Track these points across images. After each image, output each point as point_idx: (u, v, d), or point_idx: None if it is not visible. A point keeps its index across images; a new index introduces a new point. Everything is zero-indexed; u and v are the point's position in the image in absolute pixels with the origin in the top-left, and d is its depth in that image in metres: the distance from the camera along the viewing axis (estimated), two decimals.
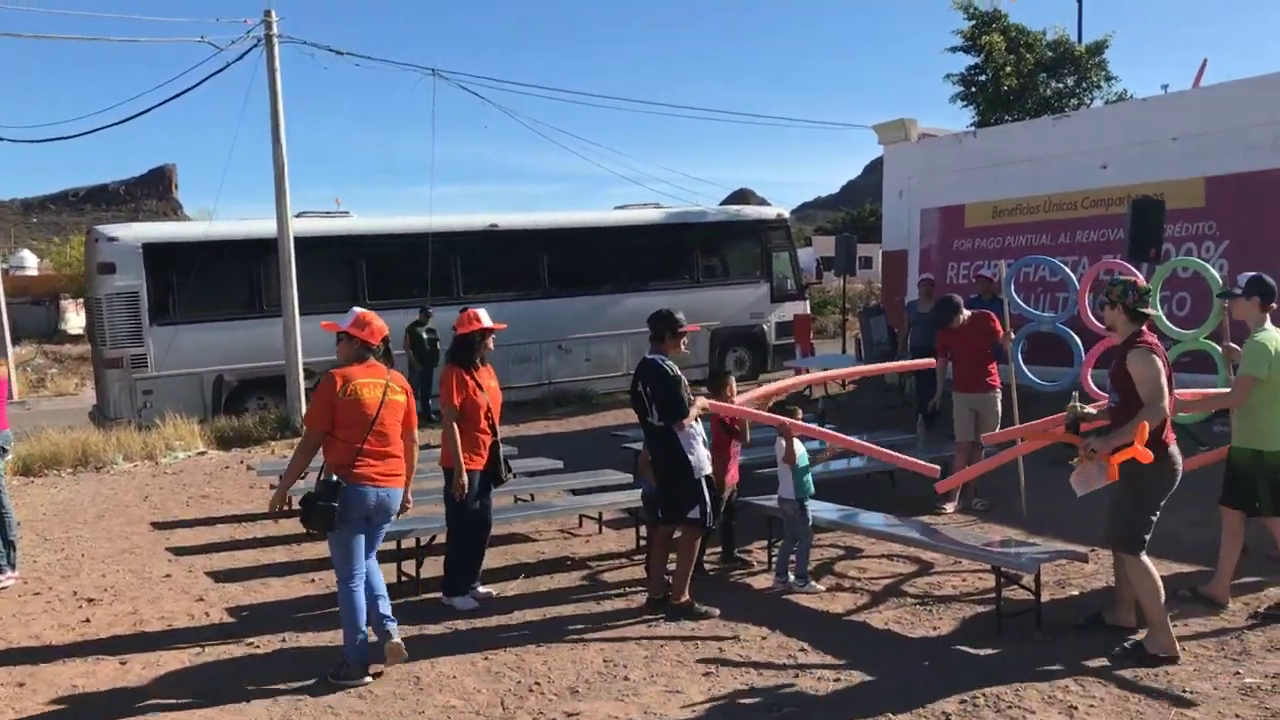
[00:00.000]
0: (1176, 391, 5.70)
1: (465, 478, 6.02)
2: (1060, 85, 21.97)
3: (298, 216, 16.25)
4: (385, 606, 5.22)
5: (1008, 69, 21.26)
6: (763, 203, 21.11)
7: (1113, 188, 13.16)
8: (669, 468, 5.98)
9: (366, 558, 5.20)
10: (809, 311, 20.04)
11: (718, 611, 5.92)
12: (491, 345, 6.36)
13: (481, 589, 6.43)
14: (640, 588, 6.43)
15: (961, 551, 5.92)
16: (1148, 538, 5.03)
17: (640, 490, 6.91)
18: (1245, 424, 5.62)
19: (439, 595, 6.30)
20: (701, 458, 6.02)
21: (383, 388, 5.24)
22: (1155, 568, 5.06)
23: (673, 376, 5.92)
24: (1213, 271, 7.59)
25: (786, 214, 20.69)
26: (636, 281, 17.96)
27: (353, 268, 16.29)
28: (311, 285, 15.37)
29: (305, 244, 15.30)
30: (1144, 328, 5.14)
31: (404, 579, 6.69)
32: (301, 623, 6.05)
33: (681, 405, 5.89)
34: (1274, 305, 5.64)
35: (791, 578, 6.40)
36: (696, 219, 19.11)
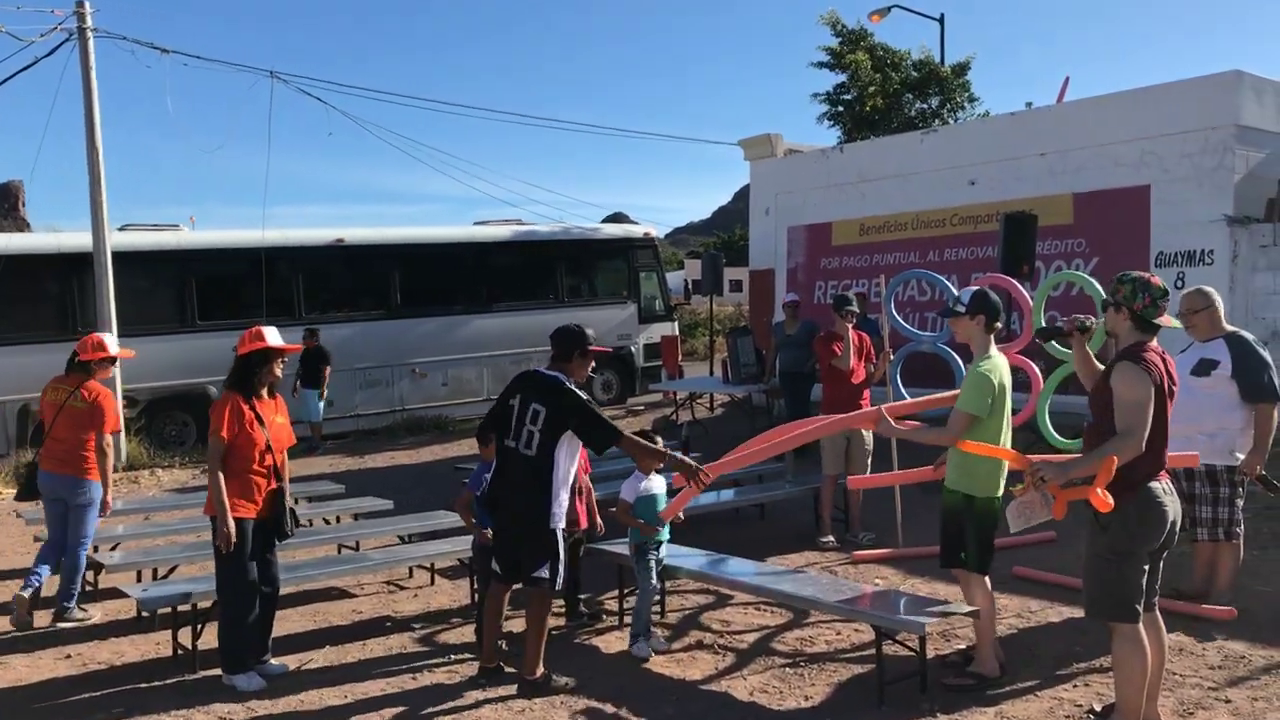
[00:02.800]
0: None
1: (230, 525, 4.96)
2: (925, 106, 21.98)
3: (120, 229, 14.82)
4: (43, 571, 6.35)
5: (873, 88, 21.14)
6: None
7: (981, 204, 12.86)
8: (523, 511, 4.95)
9: (71, 539, 6.33)
10: (677, 333, 19.41)
11: (574, 682, 5.00)
12: (280, 373, 5.34)
13: (274, 662, 5.36)
14: (471, 654, 5.48)
15: (838, 610, 5.14)
16: (1139, 604, 4.03)
17: (472, 538, 5.96)
18: (957, 464, 4.86)
19: (220, 672, 5.20)
20: (563, 504, 5.02)
21: (67, 394, 6.34)
22: (1149, 645, 4.07)
23: (587, 398, 5.00)
24: (1098, 286, 7.10)
25: (654, 232, 20.03)
26: (497, 301, 17.03)
27: (181, 286, 14.86)
28: (134, 304, 13.96)
29: (126, 259, 13.90)
30: (1151, 341, 4.10)
31: (180, 652, 5.53)
32: (36, 715, 4.86)
33: (612, 427, 4.93)
34: (999, 325, 4.92)
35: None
36: (560, 236, 18.30)
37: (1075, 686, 4.79)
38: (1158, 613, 4.26)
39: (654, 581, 5.61)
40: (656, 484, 5.76)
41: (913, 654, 4.82)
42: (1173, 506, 4.09)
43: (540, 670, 4.96)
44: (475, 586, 6.14)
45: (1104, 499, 3.85)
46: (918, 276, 9.77)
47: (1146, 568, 4.07)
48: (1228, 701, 4.53)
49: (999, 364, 4.88)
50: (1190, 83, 11.30)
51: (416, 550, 6.95)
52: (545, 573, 4.92)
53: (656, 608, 6.09)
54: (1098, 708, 4.44)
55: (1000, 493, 4.83)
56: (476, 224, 18.27)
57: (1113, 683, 4.38)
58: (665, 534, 5.73)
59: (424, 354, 16.38)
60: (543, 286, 17.70)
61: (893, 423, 4.91)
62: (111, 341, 6.72)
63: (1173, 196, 11.14)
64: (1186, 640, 5.34)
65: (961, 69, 21.77)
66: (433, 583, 7.06)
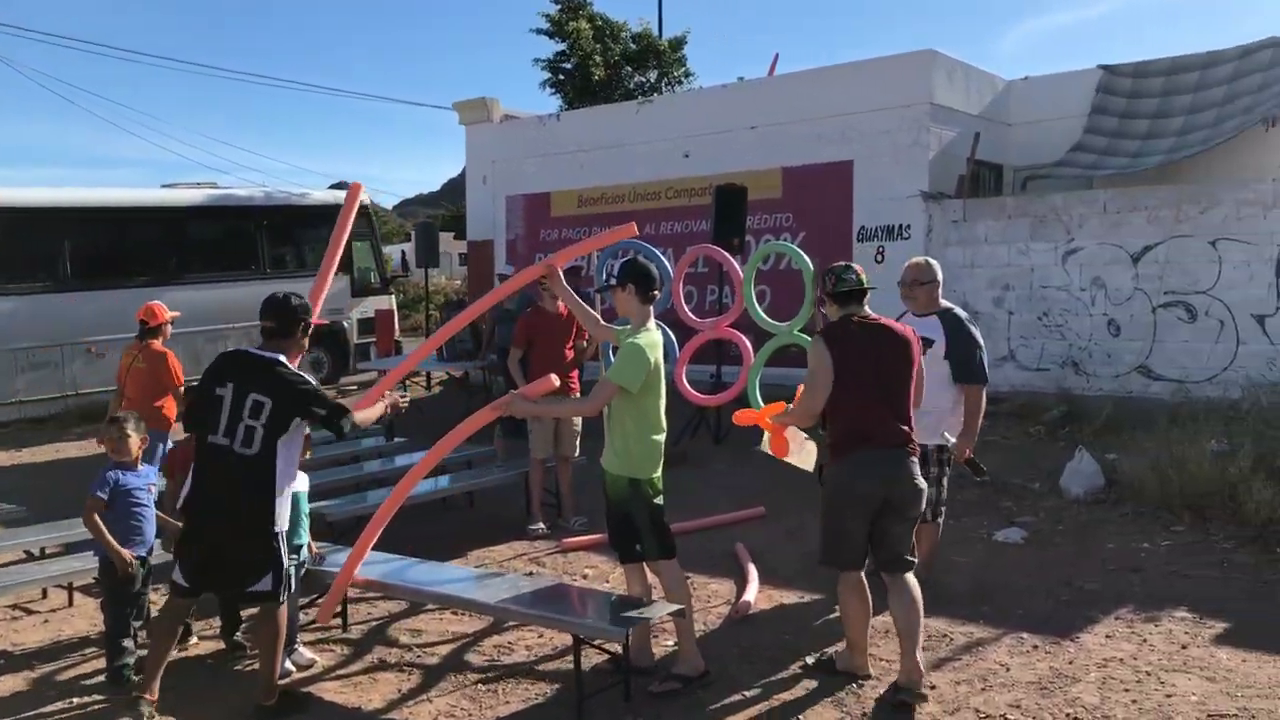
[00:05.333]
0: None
1: None
2: (643, 79, 22.01)
3: None
4: None
5: (595, 58, 20.91)
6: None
7: (696, 177, 12.82)
8: (245, 517, 4.22)
9: None
10: (394, 307, 18.41)
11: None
12: None
13: None
14: (102, 695, 4.57)
15: (534, 618, 4.64)
16: (848, 553, 4.40)
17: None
18: (619, 445, 4.51)
19: None
20: (288, 506, 4.35)
21: (133, 357, 7.20)
22: (863, 588, 4.47)
23: (310, 379, 4.37)
24: (805, 258, 7.01)
25: (367, 199, 18.87)
26: (188, 272, 15.37)
27: None
28: None
29: None
30: (859, 311, 4.43)
31: None
32: None
33: (344, 406, 4.36)
34: (656, 294, 4.63)
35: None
36: (261, 202, 16.79)
37: (786, 684, 4.54)
38: (905, 578, 4.39)
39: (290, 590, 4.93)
40: (300, 482, 5.06)
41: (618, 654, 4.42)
42: (883, 477, 4.32)
43: (276, 697, 4.31)
44: (107, 610, 5.11)
45: (781, 441, 4.72)
46: (628, 248, 9.44)
47: (868, 527, 4.37)
48: (932, 687, 4.41)
49: (657, 339, 4.56)
50: (887, 60, 11.65)
51: (49, 568, 5.85)
52: (268, 584, 4.26)
53: (338, 619, 5.41)
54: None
55: (659, 472, 4.54)
56: (165, 187, 16.53)
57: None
58: (304, 537, 5.02)
59: (101, 331, 14.51)
60: (242, 256, 16.19)
61: (527, 402, 4.66)
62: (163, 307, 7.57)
63: (873, 172, 11.48)
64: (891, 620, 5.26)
65: (678, 44, 21.97)
66: (70, 604, 5.97)
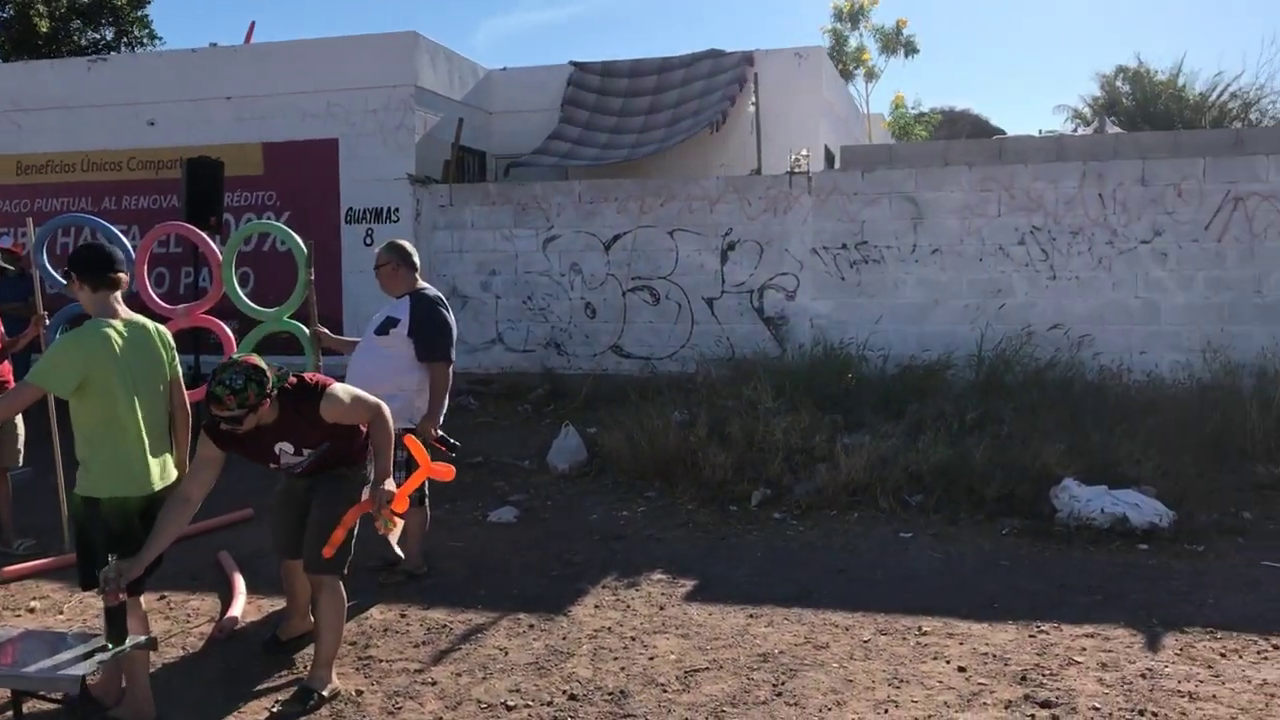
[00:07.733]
0: None
1: None
2: (98, 36, 19.65)
3: None
4: None
5: (40, 7, 18.26)
6: None
7: (164, 148, 11.65)
8: None
9: None
10: None
11: None
12: None
13: None
14: None
15: None
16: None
17: None
18: (80, 461, 3.93)
19: None
20: None
21: None
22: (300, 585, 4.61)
23: None
24: (297, 239, 6.57)
25: None
26: None
27: None
28: None
29: None
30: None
31: None
32: None
33: None
34: (120, 278, 4.00)
35: None
36: None
37: (281, 704, 4.20)
38: None
39: None
40: None
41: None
42: None
43: None
44: None
45: (448, 469, 4.57)
46: (78, 223, 8.29)
47: None
48: (434, 684, 4.33)
49: (104, 331, 3.88)
50: (371, 38, 11.41)
51: None
52: None
53: None
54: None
55: (139, 491, 3.95)
56: None
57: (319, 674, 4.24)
58: None
59: None
60: None
61: None
62: None
63: (360, 152, 11.21)
64: (390, 617, 5.11)
65: (138, 1, 19.89)
66: None
